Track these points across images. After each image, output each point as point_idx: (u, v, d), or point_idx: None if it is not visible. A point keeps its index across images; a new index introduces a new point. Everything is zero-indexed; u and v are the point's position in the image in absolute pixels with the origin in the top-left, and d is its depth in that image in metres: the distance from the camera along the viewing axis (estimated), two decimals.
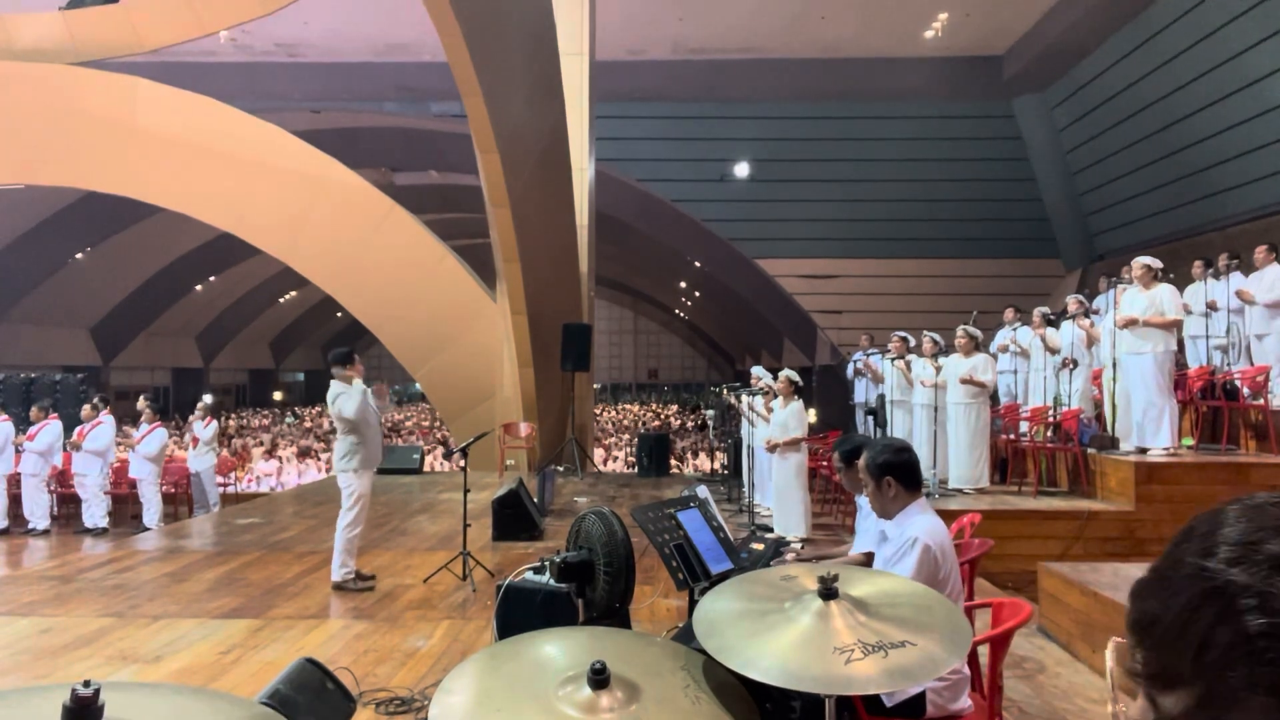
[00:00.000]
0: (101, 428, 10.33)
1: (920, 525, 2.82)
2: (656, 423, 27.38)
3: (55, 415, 10.67)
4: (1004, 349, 10.09)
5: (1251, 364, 8.18)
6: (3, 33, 13.19)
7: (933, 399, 8.15)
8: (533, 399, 12.41)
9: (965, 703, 2.78)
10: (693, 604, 2.73)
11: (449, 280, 13.04)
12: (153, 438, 10.45)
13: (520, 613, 3.26)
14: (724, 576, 2.82)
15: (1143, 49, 18.03)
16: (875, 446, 3.00)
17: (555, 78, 11.99)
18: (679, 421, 28.36)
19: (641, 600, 5.28)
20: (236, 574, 6.71)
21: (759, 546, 3.71)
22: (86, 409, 10.47)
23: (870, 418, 9.19)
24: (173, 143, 12.69)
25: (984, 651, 2.80)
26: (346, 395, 6.12)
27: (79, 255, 24.02)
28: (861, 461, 3.00)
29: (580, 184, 13.41)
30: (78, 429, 10.37)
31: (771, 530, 7.49)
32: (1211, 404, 8.19)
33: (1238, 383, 7.93)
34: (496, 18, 10.14)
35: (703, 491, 4.14)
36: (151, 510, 10.33)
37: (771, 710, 2.22)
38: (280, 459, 17.48)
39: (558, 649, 1.75)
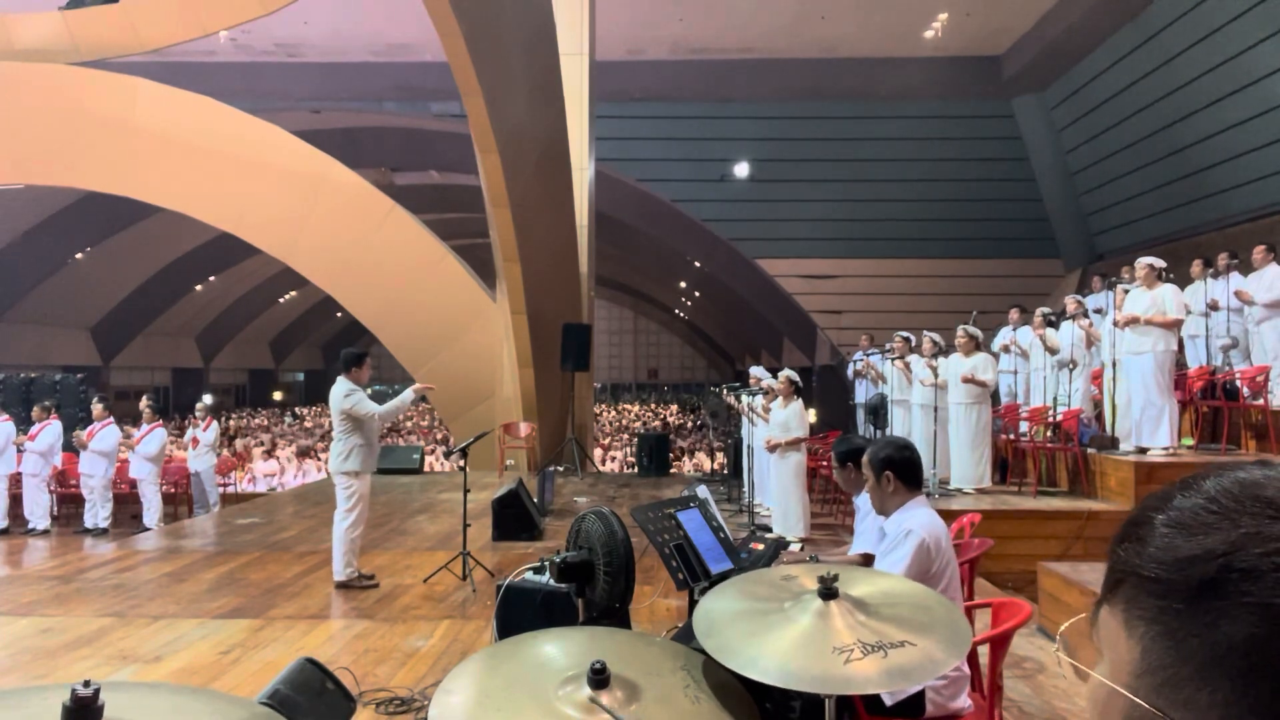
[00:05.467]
0: (109, 428, 10.34)
1: (916, 519, 2.83)
2: (657, 423, 27.39)
3: (56, 415, 10.67)
4: (1005, 349, 10.10)
5: (1251, 364, 8.19)
6: (3, 33, 13.19)
7: (932, 399, 8.15)
8: (533, 399, 12.40)
9: (965, 702, 2.78)
10: (693, 604, 2.73)
11: (449, 280, 13.04)
12: (152, 438, 10.45)
13: (520, 613, 3.26)
14: (724, 576, 2.82)
15: (1143, 49, 18.02)
16: (878, 443, 3.03)
17: (555, 78, 11.98)
18: (679, 421, 28.37)
19: (641, 600, 5.28)
20: (236, 574, 6.71)
21: (759, 546, 3.70)
22: (98, 409, 10.47)
23: (871, 418, 9.19)
24: (173, 143, 12.69)
25: (984, 651, 2.81)
26: (361, 395, 6.18)
27: (79, 255, 24.03)
28: (865, 457, 3.03)
29: (580, 184, 13.41)
30: (87, 429, 10.37)
31: (771, 530, 7.50)
32: (1211, 404, 8.19)
33: (1238, 383, 7.93)
34: (496, 18, 10.13)
35: (703, 491, 4.14)
36: (151, 510, 10.33)
37: (772, 710, 2.22)
38: (280, 459, 17.48)
39: (557, 649, 1.75)
